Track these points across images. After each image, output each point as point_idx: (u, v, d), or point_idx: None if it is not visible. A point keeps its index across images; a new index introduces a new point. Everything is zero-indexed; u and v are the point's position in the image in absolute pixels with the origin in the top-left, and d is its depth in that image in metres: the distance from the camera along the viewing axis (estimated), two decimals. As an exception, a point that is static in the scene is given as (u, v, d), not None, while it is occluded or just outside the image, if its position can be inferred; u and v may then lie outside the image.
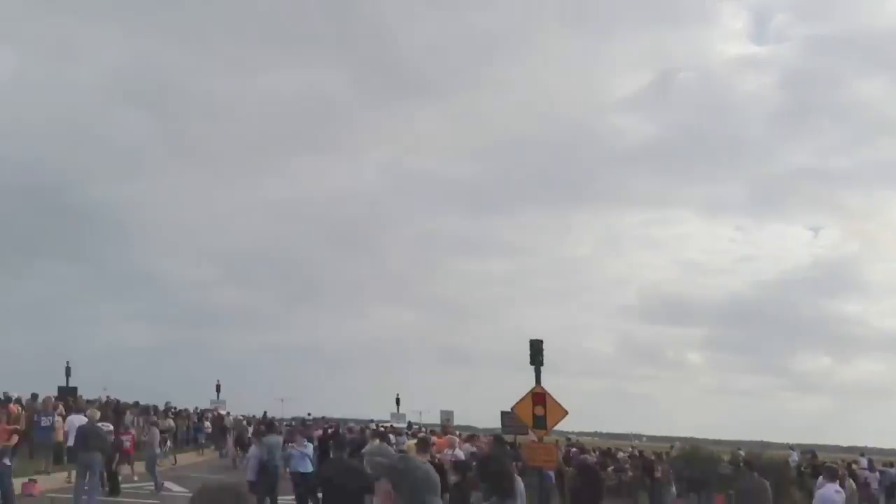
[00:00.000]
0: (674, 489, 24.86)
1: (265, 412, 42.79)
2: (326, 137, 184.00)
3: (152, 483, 19.62)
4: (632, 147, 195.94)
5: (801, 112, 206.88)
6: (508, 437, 23.61)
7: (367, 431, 27.31)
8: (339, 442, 15.15)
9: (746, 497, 12.02)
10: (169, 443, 30.39)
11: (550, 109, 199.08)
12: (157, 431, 21.08)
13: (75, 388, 38.47)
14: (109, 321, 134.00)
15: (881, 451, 75.32)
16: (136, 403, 35.20)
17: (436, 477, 2.62)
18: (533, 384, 16.69)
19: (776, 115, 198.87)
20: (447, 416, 48.19)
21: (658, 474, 23.27)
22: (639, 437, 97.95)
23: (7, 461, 14.55)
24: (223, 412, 42.96)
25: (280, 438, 16.72)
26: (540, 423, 16.56)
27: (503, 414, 25.04)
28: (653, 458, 27.13)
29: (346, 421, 40.78)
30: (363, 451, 15.76)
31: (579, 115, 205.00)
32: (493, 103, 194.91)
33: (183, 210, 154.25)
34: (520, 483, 10.33)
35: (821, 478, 14.61)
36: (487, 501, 4.95)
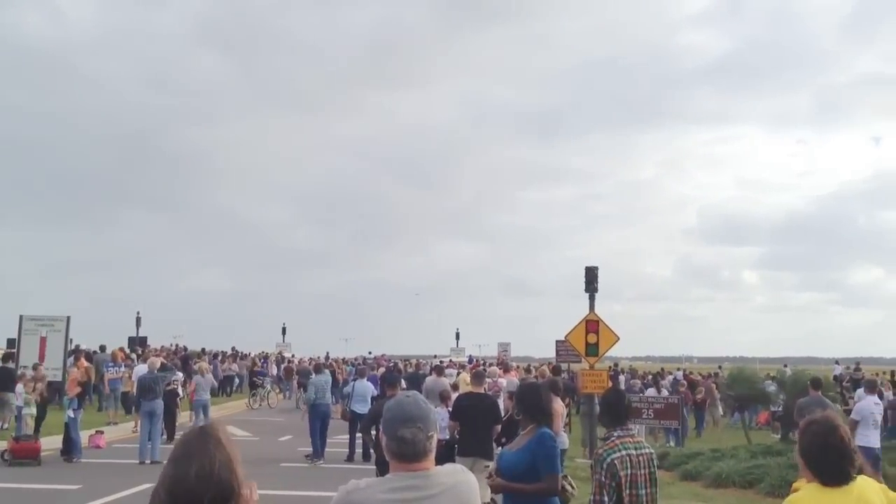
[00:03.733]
0: (720, 409, 25.74)
1: (328, 353, 44.27)
2: (401, 71, 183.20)
3: None
4: (699, 65, 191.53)
5: (870, 18, 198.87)
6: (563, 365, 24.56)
7: (426, 367, 28.31)
8: (388, 379, 15.78)
9: (808, 413, 12.25)
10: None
11: (621, 31, 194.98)
12: (203, 378, 19.91)
13: (145, 338, 40.21)
14: (186, 268, 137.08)
15: (932, 362, 75.09)
16: (203, 350, 36.84)
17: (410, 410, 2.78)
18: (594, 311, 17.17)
19: (844, 22, 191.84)
20: (504, 347, 49.26)
21: (700, 395, 24.07)
22: (689, 359, 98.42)
23: (71, 413, 15.33)
24: (287, 355, 44.51)
25: (328, 377, 17.39)
26: (592, 350, 17.09)
27: (557, 343, 25.81)
28: (699, 378, 28.05)
29: (408, 358, 42.02)
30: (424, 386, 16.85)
31: (649, 34, 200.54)
32: (563, 27, 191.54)
33: (261, 152, 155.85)
34: (561, 407, 11.10)
35: (860, 390, 15.20)
36: (525, 430, 5.48)
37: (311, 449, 15.92)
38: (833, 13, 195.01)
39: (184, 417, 20.41)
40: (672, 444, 19.76)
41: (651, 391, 21.50)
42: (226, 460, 2.27)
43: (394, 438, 2.78)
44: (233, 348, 40.78)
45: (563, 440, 11.54)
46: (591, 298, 17.44)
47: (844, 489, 3.28)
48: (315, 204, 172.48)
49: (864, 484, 3.35)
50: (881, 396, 19.71)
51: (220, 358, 36.53)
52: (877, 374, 29.25)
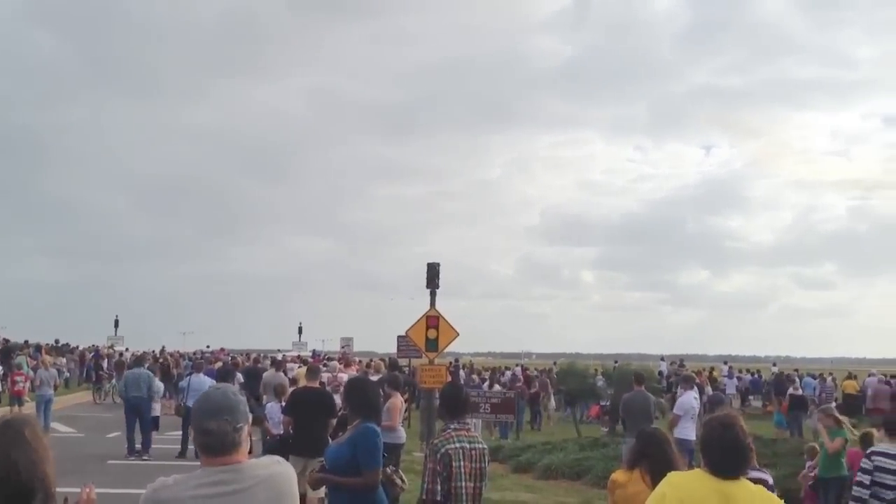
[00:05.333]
0: (553, 402, 26.81)
1: (163, 347, 42.62)
2: (251, 61, 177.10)
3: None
4: (548, 69, 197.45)
5: (705, 31, 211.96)
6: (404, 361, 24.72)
7: (266, 361, 27.79)
8: (222, 373, 15.37)
9: (632, 408, 12.71)
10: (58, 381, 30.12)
11: (475, 32, 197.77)
12: (46, 372, 19.55)
13: (-40, 330, 37.44)
14: (11, 257, 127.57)
15: (746, 359, 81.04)
16: (27, 343, 34.57)
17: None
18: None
19: (681, 34, 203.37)
20: (347, 342, 48.91)
21: (535, 389, 24.96)
22: (529, 355, 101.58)
23: None
24: (119, 348, 42.50)
25: (144, 371, 16.57)
26: (432, 345, 17.36)
27: (399, 338, 25.93)
28: (535, 374, 29.03)
29: (249, 352, 41.01)
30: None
31: (502, 37, 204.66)
32: (419, 26, 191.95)
33: (99, 137, 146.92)
34: (399, 401, 11.24)
35: (680, 386, 16.15)
36: (352, 424, 5.47)
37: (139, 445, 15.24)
38: (669, 25, 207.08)
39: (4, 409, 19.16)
40: (508, 437, 20.30)
41: (493, 386, 22.00)
42: (28, 458, 2.12)
43: (200, 431, 2.69)
44: (56, 341, 38.53)
45: (401, 434, 11.59)
46: (433, 294, 17.63)
47: (728, 483, 3.32)
48: (157, 193, 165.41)
49: (750, 487, 3.39)
50: (702, 392, 21.10)
51: (42, 351, 34.38)
52: (699, 371, 31.29)
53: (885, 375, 27.22)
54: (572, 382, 21.95)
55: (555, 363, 35.99)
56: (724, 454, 3.35)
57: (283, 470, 2.82)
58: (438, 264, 17.86)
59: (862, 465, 7.20)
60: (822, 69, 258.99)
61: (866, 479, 7.04)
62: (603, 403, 22.73)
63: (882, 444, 7.25)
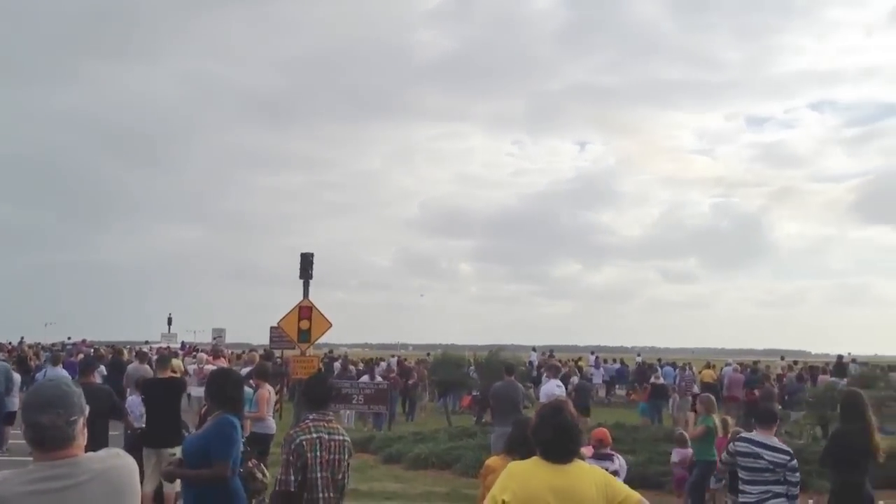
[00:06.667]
0: (427, 394, 27.07)
1: (21, 338, 40.42)
2: (124, 43, 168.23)
3: None
4: (430, 62, 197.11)
5: (582, 30, 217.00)
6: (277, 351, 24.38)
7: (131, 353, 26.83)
8: (83, 365, 14.87)
9: (501, 398, 12.80)
10: None
11: (359, 21, 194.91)
12: None
13: None
14: None
15: (614, 349, 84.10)
16: None
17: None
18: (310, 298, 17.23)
19: (560, 32, 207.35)
20: (219, 333, 47.72)
21: (412, 381, 25.14)
22: (405, 346, 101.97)
23: None
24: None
25: (1, 364, 15.93)
26: (304, 336, 17.26)
27: (271, 329, 25.58)
28: (411, 365, 29.17)
29: (115, 344, 39.38)
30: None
31: (386, 28, 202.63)
32: (302, 13, 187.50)
33: None
34: (268, 392, 11.10)
35: (545, 375, 16.61)
36: (212, 415, 5.44)
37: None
38: (549, 23, 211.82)
39: None
40: (382, 428, 20.32)
41: (365, 378, 21.98)
42: None
43: (30, 426, 2.60)
44: None
45: (270, 425, 11.45)
46: (306, 285, 17.54)
47: (562, 467, 3.44)
48: (18, 179, 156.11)
49: (583, 467, 3.54)
50: (568, 380, 21.74)
51: None
52: (567, 361, 32.24)
53: (740, 365, 28.80)
54: (445, 373, 22.20)
55: (429, 354, 36.30)
56: (555, 436, 3.48)
57: (121, 463, 2.74)
58: (312, 254, 17.78)
59: (727, 448, 7.59)
60: (689, 71, 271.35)
61: (730, 460, 7.43)
62: (474, 393, 23.07)
63: (753, 433, 7.59)
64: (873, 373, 23.67)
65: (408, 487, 12.28)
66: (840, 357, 30.75)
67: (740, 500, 7.19)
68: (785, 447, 7.16)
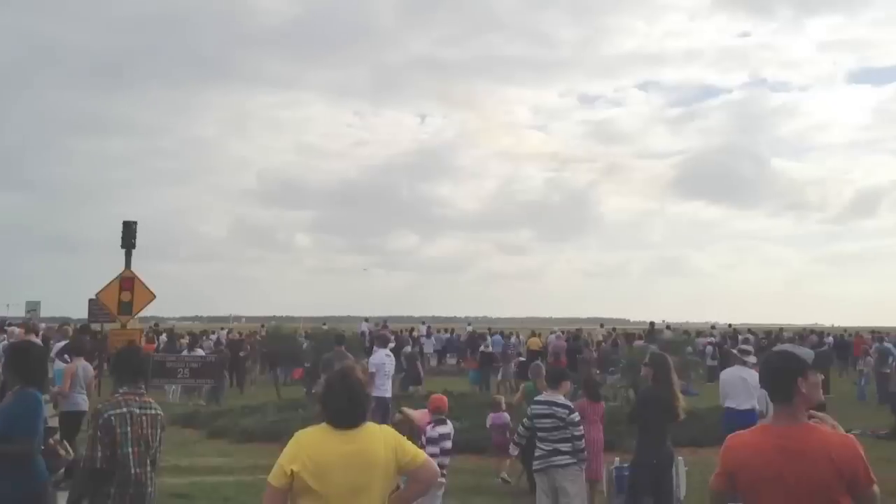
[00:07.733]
0: (258, 366, 26.71)
1: None
2: None
3: None
4: (270, 28, 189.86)
5: (425, 3, 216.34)
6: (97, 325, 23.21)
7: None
8: None
9: (331, 368, 12.91)
10: None
11: None
12: None
13: None
14: None
15: (447, 320, 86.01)
16: None
17: None
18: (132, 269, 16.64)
19: (403, 3, 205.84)
20: (33, 307, 44.69)
21: (243, 353, 24.72)
22: (238, 318, 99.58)
23: None
24: None
25: None
26: (126, 308, 16.62)
27: (90, 301, 24.31)
28: (243, 337, 28.60)
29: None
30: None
31: None
32: None
33: None
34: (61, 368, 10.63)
35: (374, 345, 16.73)
36: (11, 390, 5.22)
37: None
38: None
39: None
40: (219, 402, 19.85)
41: (198, 351, 21.37)
42: None
43: None
44: None
45: (80, 402, 10.89)
46: (128, 255, 16.88)
47: (351, 433, 3.49)
48: None
49: (373, 429, 3.58)
50: (400, 350, 22.07)
51: None
52: (401, 331, 32.65)
53: (564, 333, 30.22)
54: (276, 345, 21.96)
55: (262, 326, 35.73)
56: (347, 401, 3.55)
57: None
58: (135, 223, 17.15)
59: (528, 412, 8.10)
60: (527, 48, 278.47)
61: (527, 423, 8.05)
62: (306, 365, 22.96)
63: (544, 394, 8.14)
64: (681, 338, 25.61)
65: (232, 461, 12.12)
66: (652, 324, 32.85)
67: (536, 455, 7.80)
68: (567, 402, 7.87)
